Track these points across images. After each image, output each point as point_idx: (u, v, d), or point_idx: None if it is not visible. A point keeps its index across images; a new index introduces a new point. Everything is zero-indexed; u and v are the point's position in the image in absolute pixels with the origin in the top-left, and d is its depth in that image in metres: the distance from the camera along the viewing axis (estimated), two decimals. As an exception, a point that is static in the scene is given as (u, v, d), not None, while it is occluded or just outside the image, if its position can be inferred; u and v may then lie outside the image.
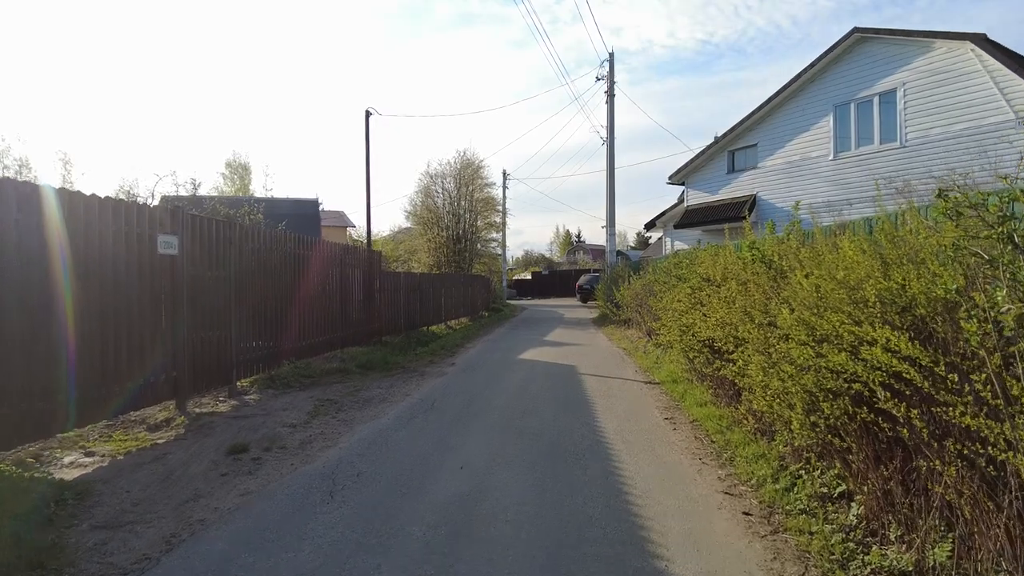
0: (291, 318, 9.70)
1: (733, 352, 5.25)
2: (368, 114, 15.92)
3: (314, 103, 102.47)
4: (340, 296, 11.82)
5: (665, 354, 10.20)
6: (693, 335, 6.70)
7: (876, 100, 13.55)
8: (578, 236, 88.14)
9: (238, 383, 8.44)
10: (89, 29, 78.47)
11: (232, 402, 7.75)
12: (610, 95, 20.66)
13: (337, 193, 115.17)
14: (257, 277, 8.72)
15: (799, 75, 15.12)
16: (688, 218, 18.18)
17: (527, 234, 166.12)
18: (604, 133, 21.44)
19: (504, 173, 38.12)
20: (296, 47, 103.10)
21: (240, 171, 59.74)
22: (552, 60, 65.00)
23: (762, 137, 16.39)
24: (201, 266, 7.45)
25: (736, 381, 5.31)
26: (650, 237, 71.22)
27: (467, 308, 23.16)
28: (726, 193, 17.42)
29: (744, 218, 15.41)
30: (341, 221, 47.26)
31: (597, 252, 72.39)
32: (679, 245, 19.71)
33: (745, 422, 5.38)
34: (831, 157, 14.55)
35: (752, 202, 16.38)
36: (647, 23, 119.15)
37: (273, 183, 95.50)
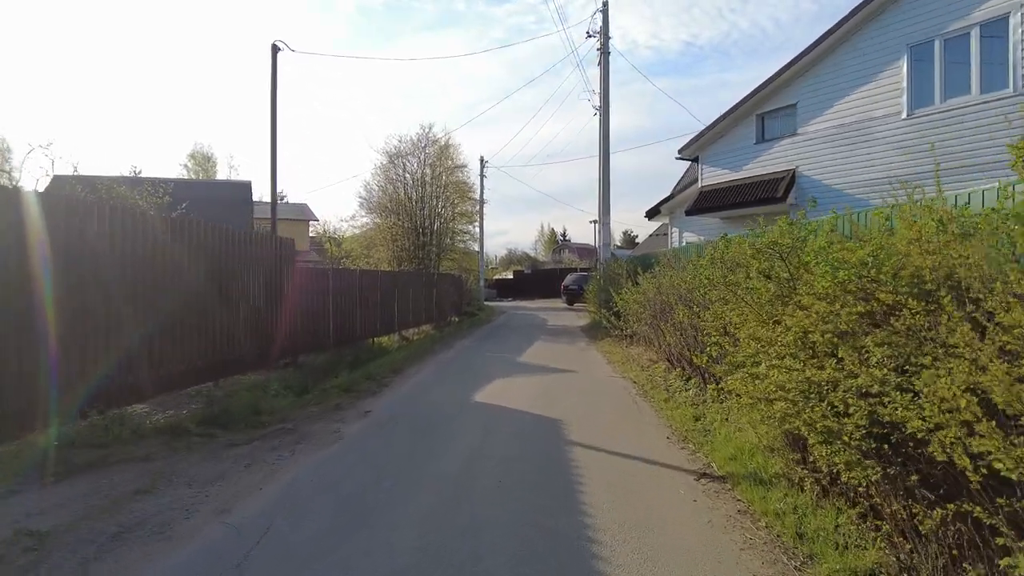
0: (100, 340, 5.69)
1: None
2: (276, 49, 11.87)
3: (296, 100, 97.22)
4: (220, 301, 7.82)
5: (702, 396, 6.36)
6: (834, 409, 2.87)
7: (975, 33, 9.87)
8: (563, 235, 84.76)
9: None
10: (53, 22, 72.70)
11: None
12: (604, 52, 16.81)
13: (320, 192, 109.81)
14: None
15: (856, 9, 11.40)
16: (704, 202, 14.38)
17: (512, 234, 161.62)
18: (596, 100, 17.60)
19: (482, 160, 34.14)
20: (273, 43, 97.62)
21: (203, 162, 55.68)
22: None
23: (804, 94, 12.64)
24: None
25: None
26: (637, 236, 67.50)
27: (430, 313, 19.16)
28: (754, 169, 13.64)
29: (780, 199, 11.69)
30: (303, 214, 42.98)
31: (583, 251, 68.79)
32: (690, 237, 15.94)
33: None
34: (904, 115, 10.84)
35: (790, 179, 12.64)
36: (632, 25, 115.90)
37: (238, 175, 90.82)
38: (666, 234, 36.21)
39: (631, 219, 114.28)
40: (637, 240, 61.44)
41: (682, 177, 28.85)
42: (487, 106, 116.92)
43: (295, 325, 10.37)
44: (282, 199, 55.18)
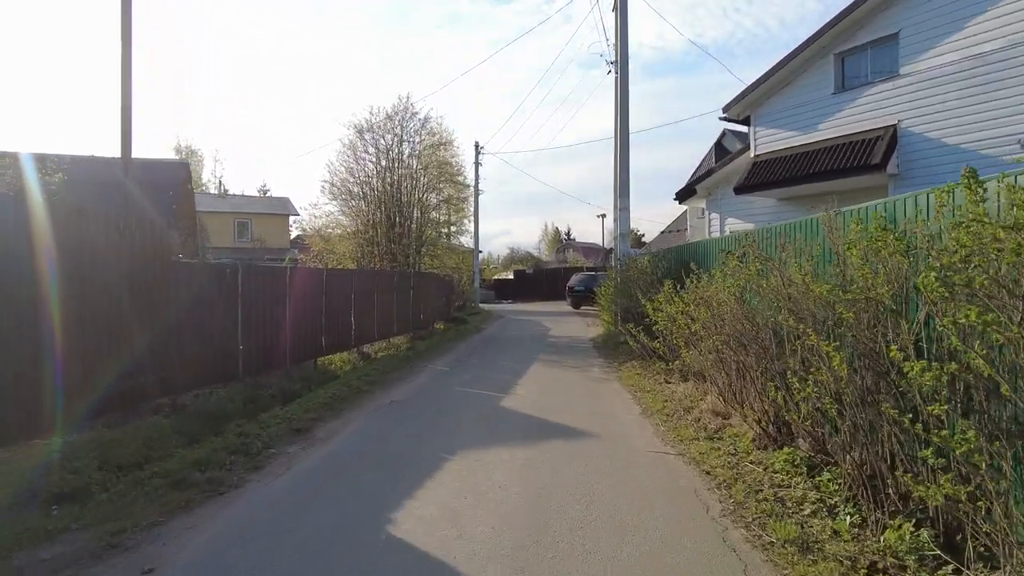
0: None
1: None
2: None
3: (284, 92, 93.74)
4: (32, 317, 4.27)
5: (866, 523, 2.70)
6: None
7: None
8: (568, 234, 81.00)
9: None
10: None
11: None
12: (621, -8, 13.22)
13: (302, 189, 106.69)
14: None
15: None
16: (760, 175, 10.70)
17: (516, 234, 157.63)
18: (611, 54, 13.97)
19: (477, 146, 30.53)
20: (280, 45, 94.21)
21: (187, 155, 52.98)
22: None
23: (910, 19, 8.97)
24: None
25: None
26: (644, 236, 63.32)
27: (406, 322, 15.59)
28: (833, 127, 9.96)
29: (877, 167, 8.11)
30: (284, 208, 39.44)
31: (588, 250, 65.01)
32: (734, 224, 12.26)
33: None
34: (1089, 31, 7.20)
35: (890, 138, 8.97)
36: (636, 24, 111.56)
37: (223, 169, 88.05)
38: (680, 230, 32.37)
39: (634, 215, 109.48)
40: (644, 239, 57.64)
41: (701, 162, 25.11)
42: (495, 104, 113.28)
43: (177, 349, 6.86)
44: (265, 192, 51.92)
